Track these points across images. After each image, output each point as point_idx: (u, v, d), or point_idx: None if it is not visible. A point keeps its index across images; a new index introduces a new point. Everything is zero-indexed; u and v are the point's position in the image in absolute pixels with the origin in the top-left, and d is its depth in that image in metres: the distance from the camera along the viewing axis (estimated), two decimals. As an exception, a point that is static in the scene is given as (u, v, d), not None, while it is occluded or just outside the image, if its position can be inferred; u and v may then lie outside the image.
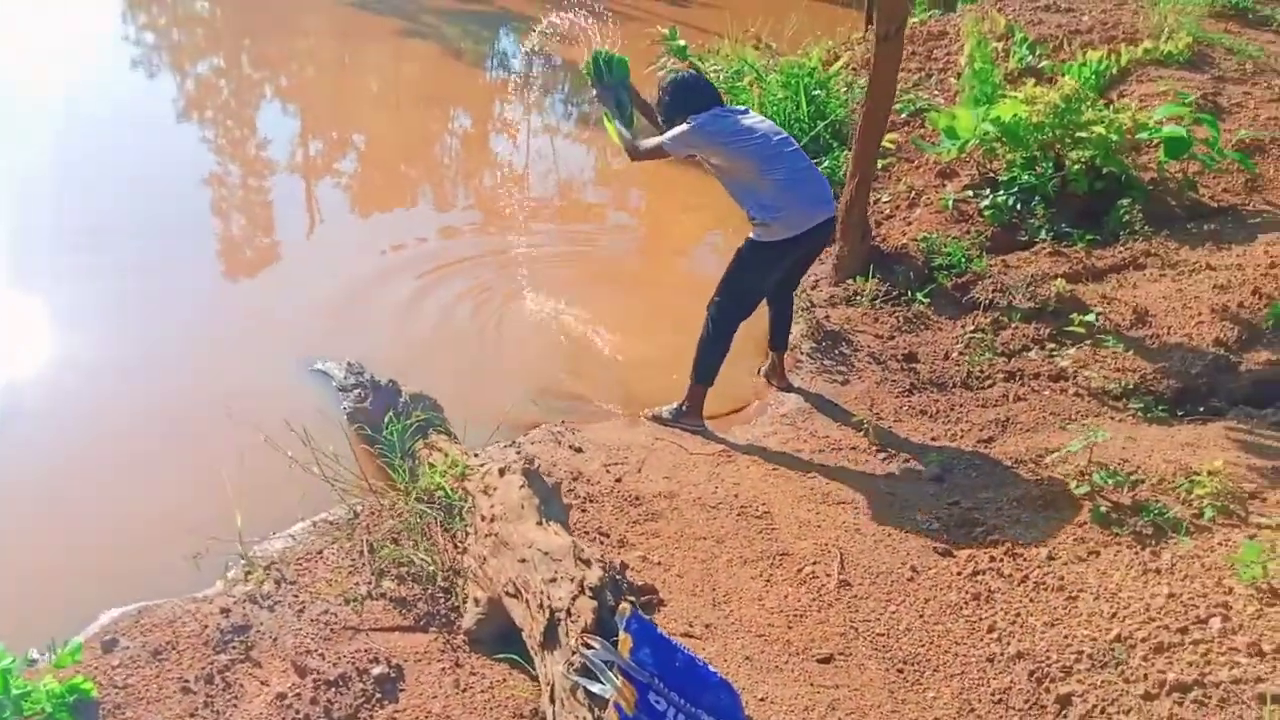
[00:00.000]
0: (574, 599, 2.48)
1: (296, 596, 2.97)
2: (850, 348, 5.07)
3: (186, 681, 2.58)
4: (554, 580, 2.58)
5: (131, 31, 10.71)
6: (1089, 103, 5.73)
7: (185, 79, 9.50)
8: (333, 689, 2.55)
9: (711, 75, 7.95)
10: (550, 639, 2.47)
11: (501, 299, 5.38)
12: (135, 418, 4.00)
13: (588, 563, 2.66)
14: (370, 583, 3.04)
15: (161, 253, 5.43)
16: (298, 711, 2.47)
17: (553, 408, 4.46)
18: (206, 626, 2.79)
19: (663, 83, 4.32)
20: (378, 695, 2.57)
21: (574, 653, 2.33)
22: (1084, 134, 5.64)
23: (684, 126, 4.03)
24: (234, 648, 2.71)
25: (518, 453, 3.88)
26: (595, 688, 2.26)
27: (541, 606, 2.53)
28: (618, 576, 2.67)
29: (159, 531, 3.34)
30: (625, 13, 13.63)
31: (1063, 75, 6.51)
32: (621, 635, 2.38)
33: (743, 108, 4.37)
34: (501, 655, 2.77)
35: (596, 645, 2.32)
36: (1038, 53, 7.16)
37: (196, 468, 3.67)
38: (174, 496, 3.54)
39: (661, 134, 4.19)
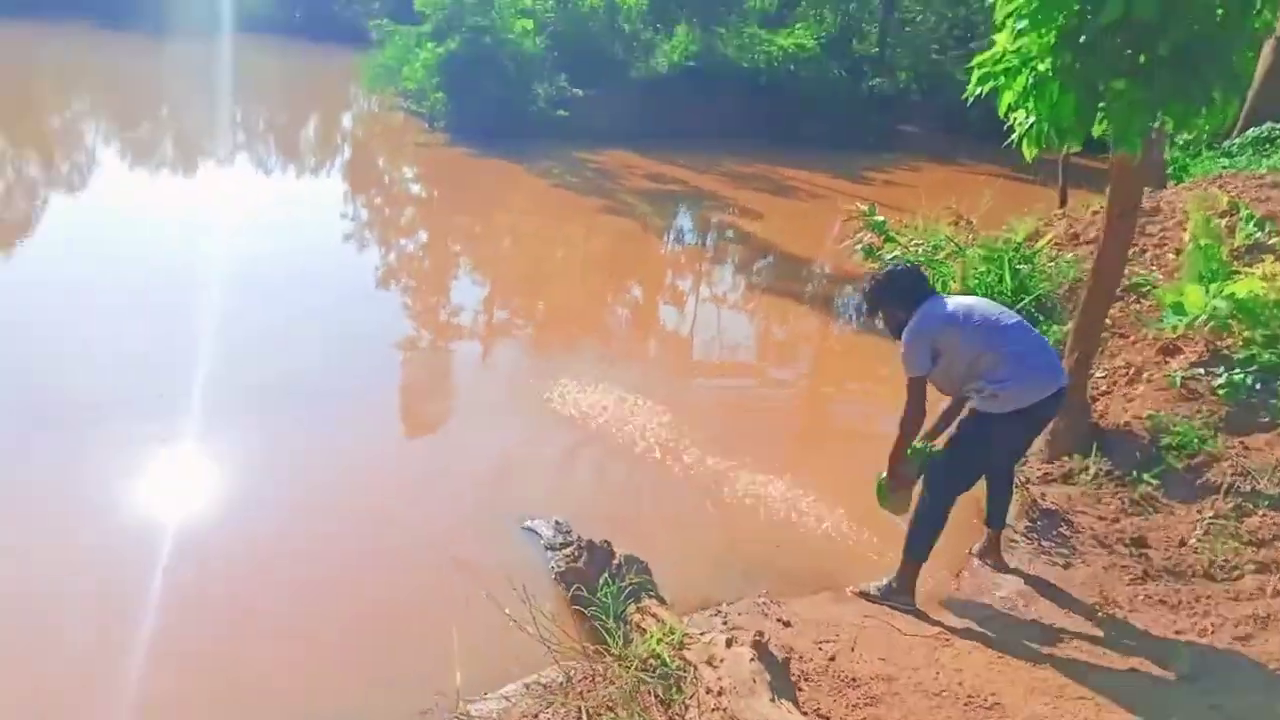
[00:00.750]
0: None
1: (517, 763, 2.92)
2: (1070, 529, 4.75)
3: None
4: (793, 766, 2.44)
5: (350, 210, 11.94)
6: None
7: (389, 251, 10.38)
8: None
9: (910, 251, 8.07)
10: (794, 833, 2.31)
11: (693, 459, 5.40)
12: (347, 568, 4.17)
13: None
14: (589, 752, 2.96)
15: (363, 410, 5.81)
16: None
17: (753, 575, 4.35)
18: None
19: (877, 274, 4.25)
20: None
21: None
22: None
23: (907, 340, 3.89)
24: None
25: (724, 622, 3.79)
26: None
27: (781, 795, 2.39)
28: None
29: (378, 681, 3.41)
30: (813, 192, 14.23)
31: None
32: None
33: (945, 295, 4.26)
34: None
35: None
36: (1267, 229, 6.86)
37: (409, 620, 3.77)
38: (393, 648, 3.62)
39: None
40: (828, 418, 6.96)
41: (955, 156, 18.54)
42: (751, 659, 2.88)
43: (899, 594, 4.15)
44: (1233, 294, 5.29)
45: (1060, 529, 4.76)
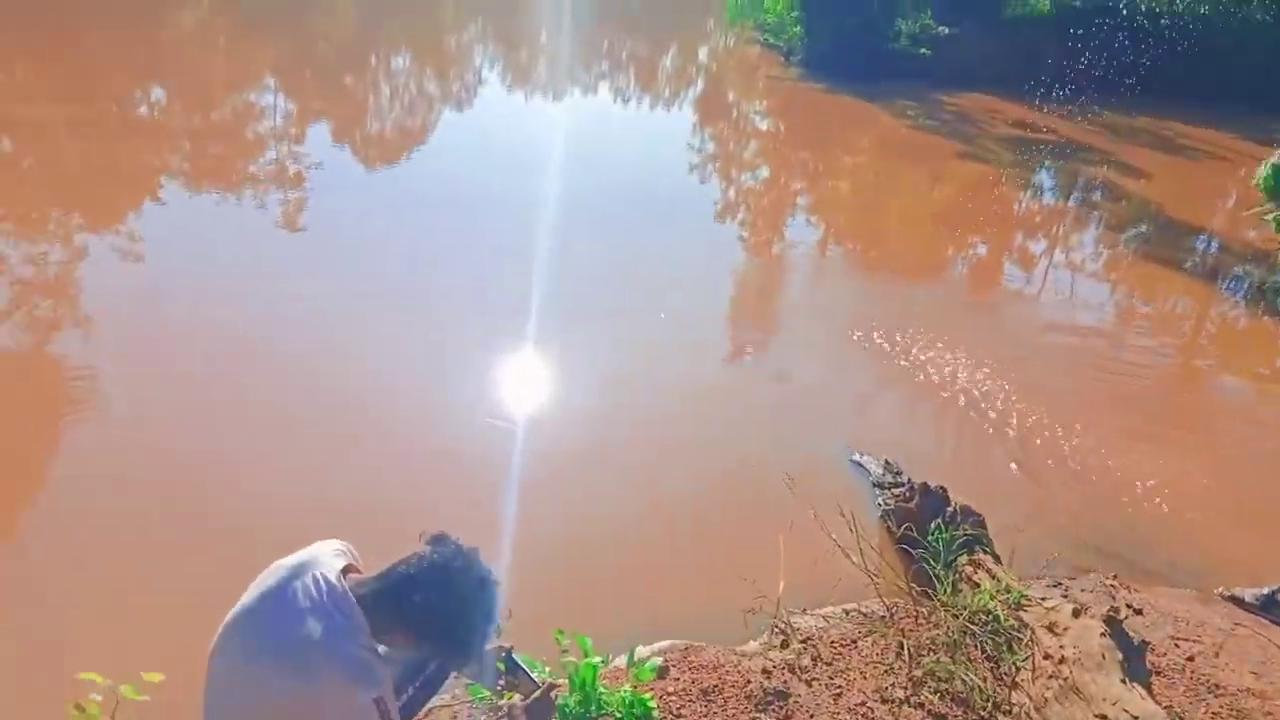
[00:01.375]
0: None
1: (833, 680, 2.92)
2: None
3: (732, 729, 2.64)
4: (1146, 753, 2.20)
5: (698, 141, 12.21)
6: None
7: (730, 185, 10.49)
8: (873, 788, 2.42)
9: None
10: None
11: (1031, 421, 4.99)
12: (698, 481, 4.32)
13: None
14: (907, 688, 2.88)
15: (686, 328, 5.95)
16: (839, 798, 2.39)
17: (1106, 555, 3.96)
18: (750, 682, 2.85)
19: None
20: (919, 812, 2.38)
21: None
22: None
23: None
24: (774, 710, 2.73)
25: (1064, 594, 3.49)
26: None
27: (1132, 780, 2.17)
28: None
29: (709, 574, 3.54)
30: (1214, 153, 12.44)
31: None
32: None
33: None
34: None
35: None
36: None
37: (745, 527, 3.86)
38: (726, 544, 3.74)
39: None
40: (1198, 397, 6.09)
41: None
42: (1103, 634, 2.62)
43: (1282, 607, 3.59)
44: None
45: None
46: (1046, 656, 2.71)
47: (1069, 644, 2.67)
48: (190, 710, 2.08)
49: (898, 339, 5.87)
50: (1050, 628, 2.80)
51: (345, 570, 2.00)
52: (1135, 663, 2.63)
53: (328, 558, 2.01)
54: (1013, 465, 4.64)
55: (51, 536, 3.49)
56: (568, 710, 2.59)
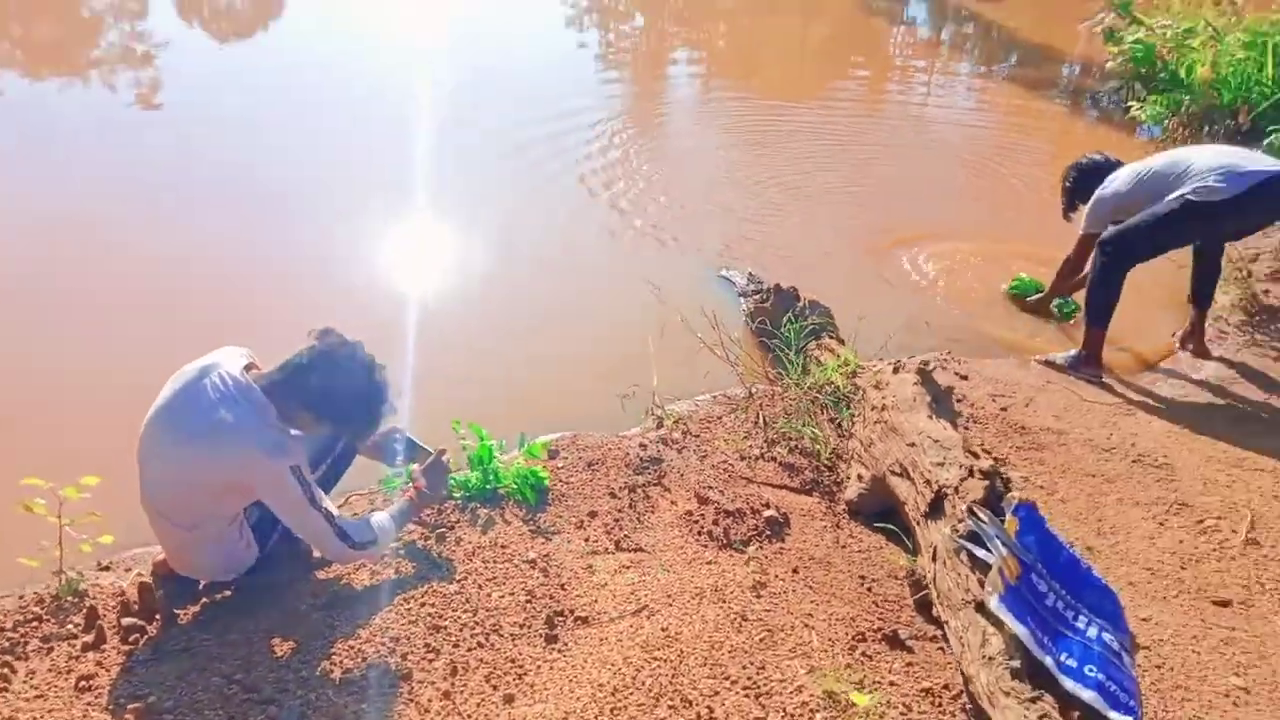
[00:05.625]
0: (963, 480, 2.60)
1: (700, 447, 3.38)
2: (1291, 325, 4.52)
3: (612, 489, 3.08)
4: (942, 464, 2.71)
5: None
6: None
7: (608, 33, 10.45)
8: (730, 518, 2.90)
9: (1157, 34, 7.31)
10: (936, 510, 2.61)
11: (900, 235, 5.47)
12: (571, 298, 4.68)
13: (976, 455, 2.77)
14: (763, 447, 3.37)
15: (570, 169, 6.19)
16: (701, 528, 2.86)
17: (944, 337, 4.49)
18: (628, 454, 3.29)
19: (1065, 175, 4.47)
20: (767, 532, 2.88)
21: (960, 521, 2.45)
22: None
23: (1092, 202, 4.19)
24: (650, 472, 3.18)
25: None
26: (980, 552, 2.37)
27: (929, 483, 2.68)
28: (1004, 475, 2.73)
29: (591, 378, 3.93)
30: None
31: None
32: (1009, 518, 2.46)
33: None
34: (879, 526, 2.96)
35: (985, 518, 2.42)
36: None
37: (620, 338, 4.24)
38: (605, 354, 4.12)
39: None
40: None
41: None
42: (915, 383, 3.11)
43: (1087, 364, 4.19)
44: None
45: (1278, 325, 4.53)
46: (873, 408, 3.20)
47: (889, 394, 3.16)
48: (128, 502, 2.39)
49: (783, 167, 6.25)
50: (877, 385, 3.29)
51: (247, 368, 2.31)
52: (942, 404, 3.13)
53: (230, 359, 2.31)
54: (865, 272, 5.12)
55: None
56: (470, 486, 2.98)
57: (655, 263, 5.03)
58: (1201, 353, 4.37)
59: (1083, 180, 4.32)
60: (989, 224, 5.80)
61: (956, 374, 4.09)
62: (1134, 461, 3.51)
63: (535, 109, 7.10)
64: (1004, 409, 3.84)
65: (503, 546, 2.73)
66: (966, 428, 3.64)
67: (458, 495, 2.93)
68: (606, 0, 12.00)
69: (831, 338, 4.03)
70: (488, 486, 2.97)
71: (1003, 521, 2.44)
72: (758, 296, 4.37)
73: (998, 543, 2.36)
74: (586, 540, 2.81)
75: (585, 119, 6.99)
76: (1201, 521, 3.13)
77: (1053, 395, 4.00)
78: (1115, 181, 4.11)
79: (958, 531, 2.44)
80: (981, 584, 2.30)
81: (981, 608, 2.26)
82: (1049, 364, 4.28)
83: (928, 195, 6.12)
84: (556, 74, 8.47)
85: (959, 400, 3.84)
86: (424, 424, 3.04)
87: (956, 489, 2.57)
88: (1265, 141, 5.83)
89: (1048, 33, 10.18)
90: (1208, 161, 3.85)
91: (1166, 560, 2.93)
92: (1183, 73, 6.83)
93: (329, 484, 2.56)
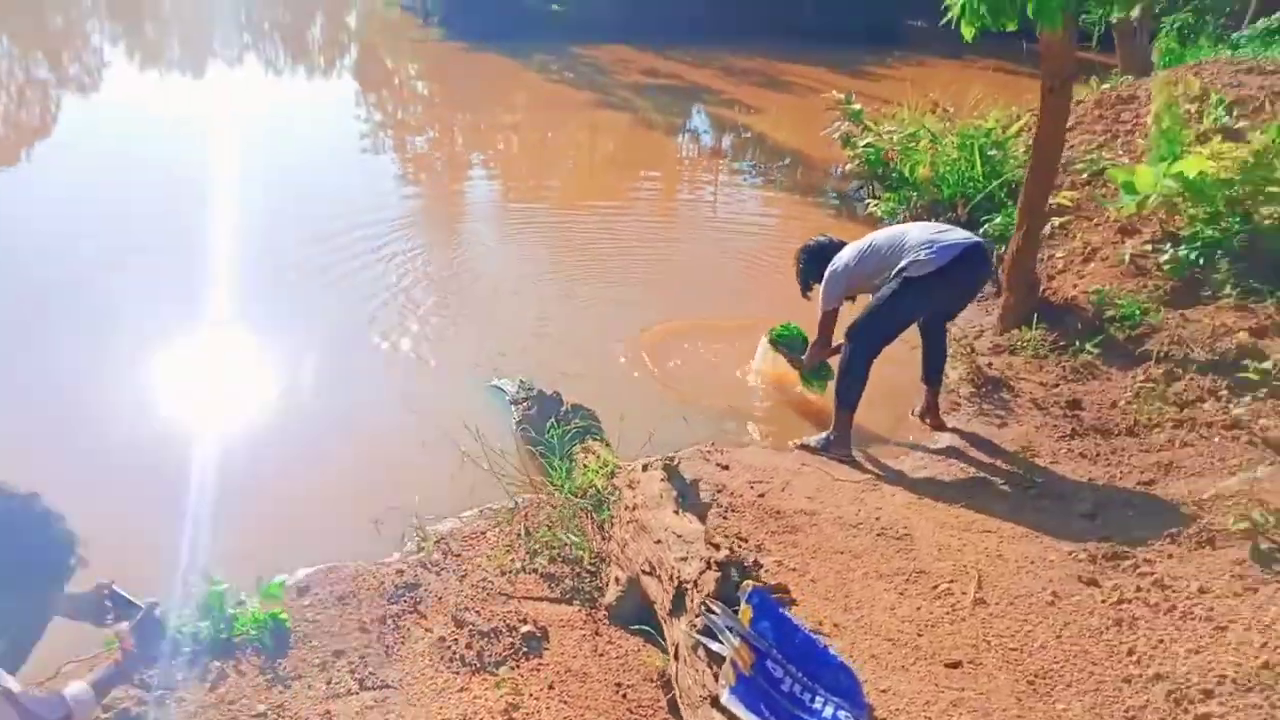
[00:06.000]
0: (700, 573, 2.67)
1: (460, 566, 3.32)
2: (1011, 393, 5.02)
3: (364, 622, 2.95)
4: (685, 559, 2.78)
5: (362, 113, 12.09)
6: (1282, 157, 5.46)
7: (406, 151, 10.57)
8: (485, 639, 2.85)
9: (885, 139, 8.15)
10: (677, 607, 2.66)
11: (663, 333, 5.70)
12: (332, 423, 4.54)
13: (717, 546, 2.86)
14: (525, 560, 3.35)
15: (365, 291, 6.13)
16: (454, 653, 2.78)
17: (706, 430, 4.67)
18: (383, 583, 3.18)
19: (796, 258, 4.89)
20: (524, 649, 2.84)
21: (696, 615, 2.51)
22: (1276, 189, 5.39)
23: (826, 281, 4.56)
24: (405, 600, 3.07)
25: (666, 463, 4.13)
26: (714, 646, 2.43)
27: (672, 579, 2.73)
28: (746, 565, 2.83)
29: (351, 508, 3.79)
30: (810, 86, 14.11)
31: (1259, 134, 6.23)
32: (743, 606, 2.55)
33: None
34: (636, 628, 2.99)
35: (718, 610, 2.50)
36: (1235, 114, 6.85)
37: (383, 461, 4.14)
38: (367, 478, 4.00)
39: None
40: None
41: (962, 53, 18.14)
42: (662, 479, 3.21)
43: (837, 445, 4.47)
44: (1181, 172, 5.39)
45: (1002, 394, 5.02)
46: (626, 507, 3.26)
47: (640, 493, 3.24)
48: None
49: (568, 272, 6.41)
50: (630, 484, 3.36)
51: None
52: (690, 498, 3.24)
53: None
54: (633, 371, 5.29)
55: None
56: (203, 639, 2.77)
57: (424, 378, 5.00)
58: (938, 425, 4.77)
59: (812, 261, 4.74)
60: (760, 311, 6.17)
61: (718, 464, 4.25)
62: (878, 535, 3.73)
63: (325, 223, 7.08)
64: (761, 495, 4.01)
65: (230, 703, 2.55)
66: (725, 517, 3.77)
67: (186, 650, 2.71)
68: (400, 115, 12.16)
69: (596, 440, 4.10)
70: (220, 636, 2.77)
71: (737, 611, 2.52)
72: (525, 404, 4.40)
73: (729, 634, 2.43)
74: (329, 684, 2.66)
75: (373, 231, 7.05)
76: (936, 586, 3.35)
77: (807, 478, 4.23)
78: (842, 259, 4.52)
79: (694, 626, 2.50)
80: (716, 678, 2.36)
81: (716, 703, 2.30)
82: (804, 447, 4.54)
83: (702, 290, 6.48)
84: (344, 185, 8.43)
85: (719, 490, 3.99)
86: (161, 575, 2.82)
87: (695, 583, 2.64)
88: (980, 230, 6.56)
89: (801, 140, 11.16)
90: (918, 236, 4.33)
91: (905, 629, 3.11)
92: (907, 172, 7.62)
93: (17, 660, 2.30)
